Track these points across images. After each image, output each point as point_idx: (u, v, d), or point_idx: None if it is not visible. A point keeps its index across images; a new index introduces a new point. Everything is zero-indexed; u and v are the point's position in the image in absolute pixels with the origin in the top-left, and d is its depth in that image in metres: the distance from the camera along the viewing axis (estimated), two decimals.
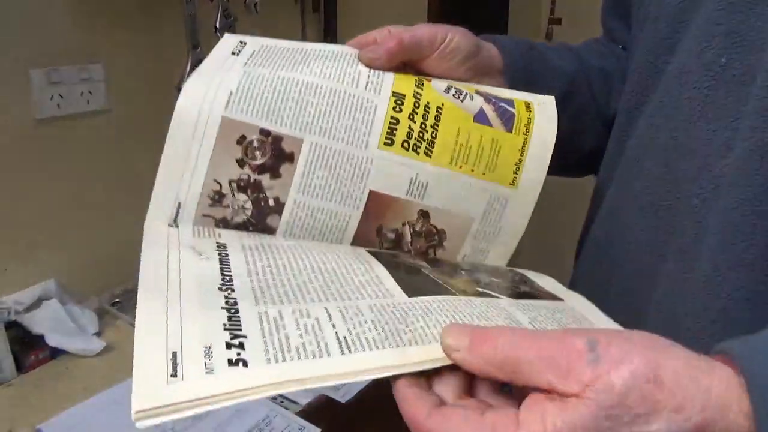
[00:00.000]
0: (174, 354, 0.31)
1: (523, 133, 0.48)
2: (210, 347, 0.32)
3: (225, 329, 0.33)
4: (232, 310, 0.34)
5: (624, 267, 0.51)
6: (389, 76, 0.46)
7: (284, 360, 0.31)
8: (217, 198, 0.43)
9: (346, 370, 0.31)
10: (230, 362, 0.30)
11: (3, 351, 0.87)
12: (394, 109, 0.45)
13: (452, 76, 0.49)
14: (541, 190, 0.48)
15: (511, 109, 0.48)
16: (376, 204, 0.46)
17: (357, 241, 0.46)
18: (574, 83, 0.55)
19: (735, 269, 0.39)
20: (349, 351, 0.32)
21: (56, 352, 0.94)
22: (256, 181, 0.43)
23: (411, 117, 0.45)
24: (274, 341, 0.32)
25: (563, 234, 1.26)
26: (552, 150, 0.48)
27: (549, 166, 0.48)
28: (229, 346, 0.32)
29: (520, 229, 0.49)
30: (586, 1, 1.39)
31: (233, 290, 0.36)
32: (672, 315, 0.43)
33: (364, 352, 0.32)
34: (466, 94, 0.47)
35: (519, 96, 0.50)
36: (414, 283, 0.40)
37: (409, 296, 0.38)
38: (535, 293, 0.44)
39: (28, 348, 0.91)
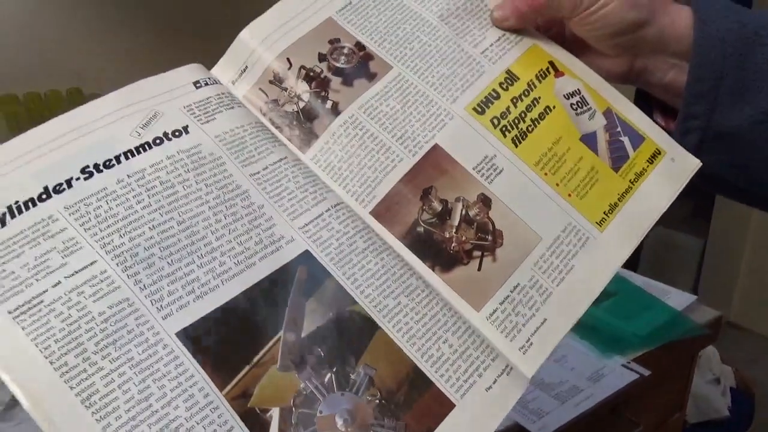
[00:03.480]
0: None
1: (630, 181, 0.40)
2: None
3: (9, 207, 0.30)
4: (45, 196, 0.30)
5: None
6: (513, 54, 0.42)
7: None
8: (281, 77, 0.39)
9: None
10: None
11: None
12: (500, 84, 0.41)
13: (597, 48, 0.42)
14: None
15: (628, 150, 0.41)
16: (435, 162, 0.38)
17: (394, 195, 0.37)
18: None
19: None
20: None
21: None
22: (326, 78, 0.40)
23: (514, 101, 0.40)
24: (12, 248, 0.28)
25: None
26: (657, 218, 0.39)
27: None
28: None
29: (593, 291, 0.37)
30: None
31: (88, 178, 0.31)
32: None
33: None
34: (590, 110, 0.41)
35: (655, 137, 0.42)
36: (229, 326, 0.30)
37: (179, 333, 0.29)
38: None
39: None
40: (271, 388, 0.28)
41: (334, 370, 0.30)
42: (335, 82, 0.39)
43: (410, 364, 0.31)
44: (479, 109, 0.40)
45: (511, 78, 0.41)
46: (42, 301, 0.26)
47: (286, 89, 0.39)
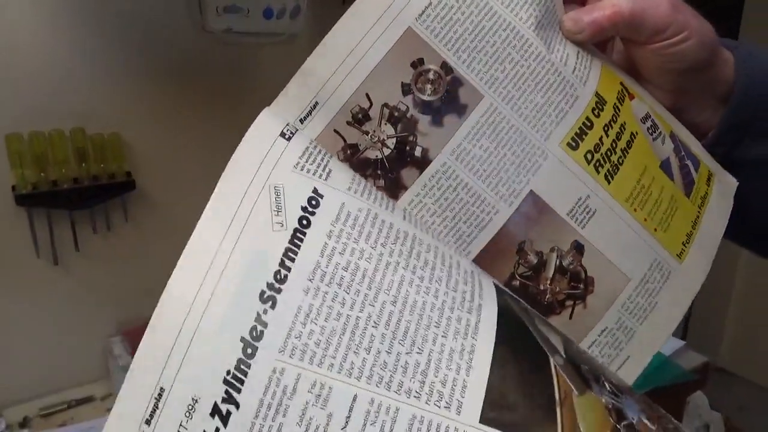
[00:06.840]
0: (160, 393, 0.23)
1: (698, 206, 0.40)
2: (197, 401, 0.23)
3: (225, 380, 0.24)
4: (249, 350, 0.24)
5: None
6: (596, 69, 0.38)
7: None
8: (360, 117, 0.34)
9: None
10: None
11: None
12: (592, 111, 0.37)
13: (653, 79, 0.40)
14: None
15: (693, 173, 0.40)
16: (530, 210, 0.36)
17: (490, 250, 0.35)
18: None
19: None
20: None
21: None
22: (414, 118, 0.34)
23: (605, 129, 0.37)
24: (264, 424, 0.23)
25: None
26: (718, 244, 0.40)
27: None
28: (215, 411, 0.23)
29: (672, 323, 0.39)
30: None
31: (274, 304, 0.25)
32: None
33: None
34: (661, 133, 0.40)
35: (705, 159, 0.42)
36: (512, 381, 0.26)
37: (482, 420, 0.25)
38: None
39: None
40: (589, 417, 0.26)
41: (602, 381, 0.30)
42: (423, 122, 0.34)
43: None
44: (573, 144, 0.36)
45: (600, 102, 0.37)
46: None
47: (367, 132, 0.34)
